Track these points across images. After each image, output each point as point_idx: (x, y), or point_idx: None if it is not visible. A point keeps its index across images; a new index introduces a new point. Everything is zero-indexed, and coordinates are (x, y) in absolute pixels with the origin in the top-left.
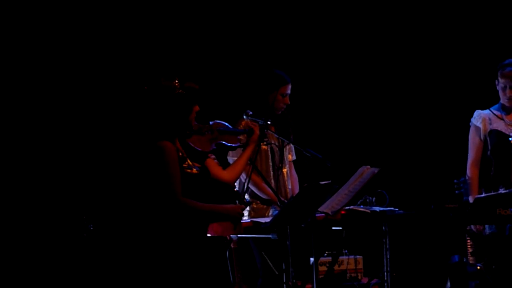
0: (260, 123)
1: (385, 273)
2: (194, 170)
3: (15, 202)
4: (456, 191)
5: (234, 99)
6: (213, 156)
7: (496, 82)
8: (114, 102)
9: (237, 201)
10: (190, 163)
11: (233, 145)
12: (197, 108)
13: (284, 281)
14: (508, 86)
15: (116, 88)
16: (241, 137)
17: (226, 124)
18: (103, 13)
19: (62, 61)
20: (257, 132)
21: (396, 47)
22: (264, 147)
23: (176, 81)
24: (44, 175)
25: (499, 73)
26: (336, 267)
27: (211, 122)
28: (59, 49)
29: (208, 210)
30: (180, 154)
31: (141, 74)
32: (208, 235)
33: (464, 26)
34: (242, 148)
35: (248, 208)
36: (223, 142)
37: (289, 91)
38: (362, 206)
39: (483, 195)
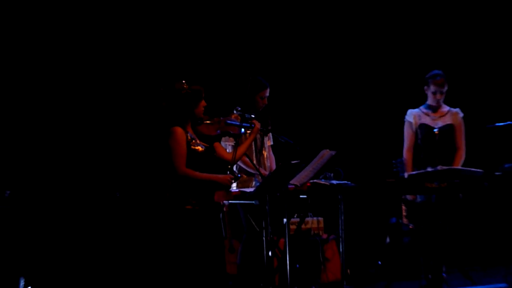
0: (247, 116)
1: (340, 231)
2: (200, 148)
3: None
4: (394, 169)
5: (228, 98)
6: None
7: (426, 88)
8: (142, 99)
9: (228, 173)
10: (198, 142)
11: (236, 133)
12: (203, 103)
13: (264, 236)
14: (438, 92)
15: (143, 89)
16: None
17: (235, 120)
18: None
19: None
20: (258, 126)
21: (352, 54)
22: (248, 135)
23: (185, 84)
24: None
25: (430, 81)
26: (303, 226)
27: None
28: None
29: (205, 178)
30: (189, 136)
31: (160, 79)
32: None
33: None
34: (232, 136)
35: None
36: (229, 131)
37: (267, 94)
38: (323, 179)
39: (415, 172)
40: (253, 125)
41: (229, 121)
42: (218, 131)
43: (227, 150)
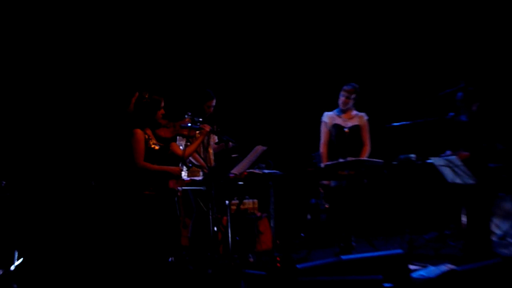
0: (196, 119)
1: (271, 210)
2: (156, 146)
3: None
4: (314, 160)
5: (182, 106)
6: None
7: (339, 95)
8: (111, 105)
9: (180, 164)
10: (155, 142)
11: (187, 135)
12: (162, 111)
13: (210, 215)
14: (345, 97)
15: (113, 96)
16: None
17: (189, 124)
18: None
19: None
20: (207, 129)
21: (280, 68)
22: (198, 135)
23: (146, 94)
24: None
25: (342, 90)
26: (241, 207)
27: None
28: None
29: (159, 169)
30: (147, 136)
31: (128, 89)
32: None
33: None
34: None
35: (186, 170)
36: (182, 133)
37: (213, 104)
38: (257, 169)
39: (329, 163)
40: (202, 128)
41: (181, 125)
42: (173, 133)
43: (181, 148)
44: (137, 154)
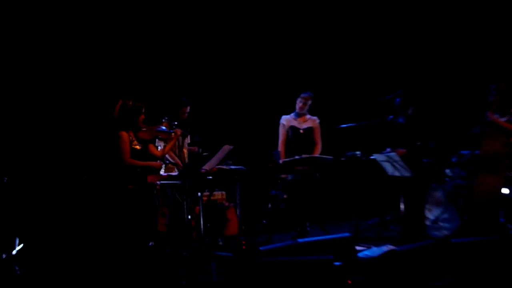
0: (172, 123)
1: (237, 200)
2: (138, 147)
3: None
4: (273, 157)
5: (160, 111)
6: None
7: (297, 101)
8: (99, 111)
9: (159, 161)
10: (137, 143)
11: (164, 138)
12: (142, 116)
13: (184, 205)
14: (302, 103)
15: (100, 103)
16: (172, 134)
17: (164, 128)
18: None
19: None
20: (178, 133)
21: (244, 76)
22: (173, 136)
23: (130, 102)
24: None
25: (300, 96)
26: (212, 198)
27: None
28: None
29: (143, 165)
30: (130, 138)
31: (114, 97)
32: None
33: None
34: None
35: (164, 166)
36: (159, 136)
37: (188, 110)
38: (225, 165)
39: (287, 159)
40: (174, 132)
41: (158, 129)
42: (151, 136)
43: (159, 148)
44: (124, 153)
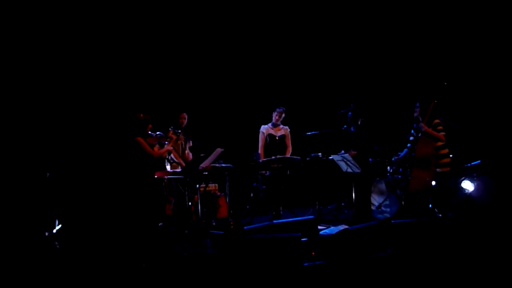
0: (176, 131)
1: (227, 191)
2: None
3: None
4: (254, 158)
5: (166, 120)
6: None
7: (273, 114)
8: (119, 119)
9: (165, 161)
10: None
11: (165, 142)
12: (150, 126)
13: (186, 194)
14: (277, 116)
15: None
16: (168, 140)
17: (162, 134)
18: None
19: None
20: (174, 138)
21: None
22: (179, 141)
23: (141, 115)
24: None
25: (275, 110)
26: (207, 189)
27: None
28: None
29: (164, 150)
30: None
31: (130, 111)
32: (155, 176)
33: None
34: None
35: (169, 164)
36: (161, 141)
37: (185, 116)
38: (217, 164)
39: (265, 159)
40: (170, 137)
41: (159, 136)
42: (155, 140)
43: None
44: (150, 150)
